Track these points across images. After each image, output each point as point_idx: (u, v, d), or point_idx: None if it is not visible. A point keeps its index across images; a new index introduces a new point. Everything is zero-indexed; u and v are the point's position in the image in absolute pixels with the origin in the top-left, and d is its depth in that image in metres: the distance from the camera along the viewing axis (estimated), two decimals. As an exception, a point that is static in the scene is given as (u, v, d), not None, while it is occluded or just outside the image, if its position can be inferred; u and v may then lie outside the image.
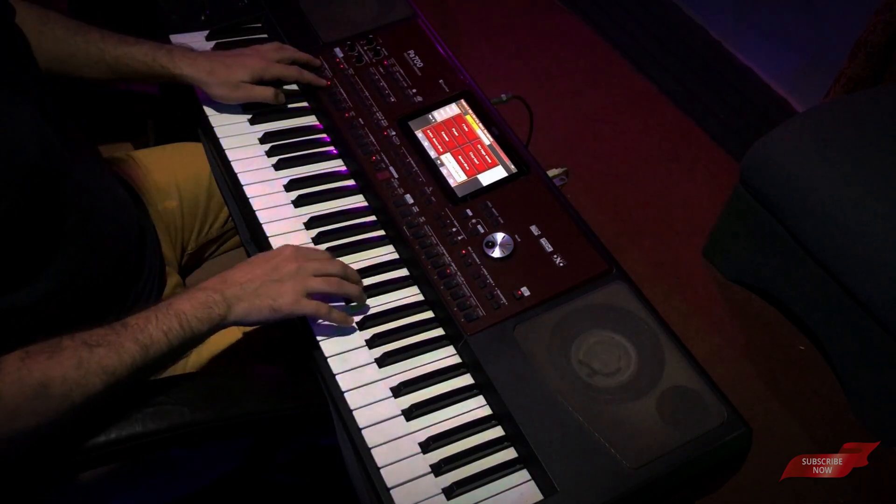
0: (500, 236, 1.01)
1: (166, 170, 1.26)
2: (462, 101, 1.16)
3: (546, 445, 0.85)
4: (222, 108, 1.18)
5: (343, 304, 0.98)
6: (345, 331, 0.96)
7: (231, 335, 1.08)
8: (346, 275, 0.96)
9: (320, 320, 0.94)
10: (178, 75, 1.10)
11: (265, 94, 1.15)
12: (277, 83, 1.18)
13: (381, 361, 0.94)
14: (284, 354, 1.11)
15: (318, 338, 0.95)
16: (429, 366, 0.95)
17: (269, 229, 1.05)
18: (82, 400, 0.77)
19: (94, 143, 1.05)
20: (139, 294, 1.02)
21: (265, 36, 1.29)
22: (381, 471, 0.85)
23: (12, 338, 0.77)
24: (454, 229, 1.03)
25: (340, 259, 0.99)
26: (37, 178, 0.80)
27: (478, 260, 0.99)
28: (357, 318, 0.97)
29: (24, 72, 0.89)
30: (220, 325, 0.88)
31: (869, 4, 1.87)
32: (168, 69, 1.09)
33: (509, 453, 0.89)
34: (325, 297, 0.94)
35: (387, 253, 1.05)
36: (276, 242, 1.03)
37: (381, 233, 1.07)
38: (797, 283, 1.71)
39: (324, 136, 1.17)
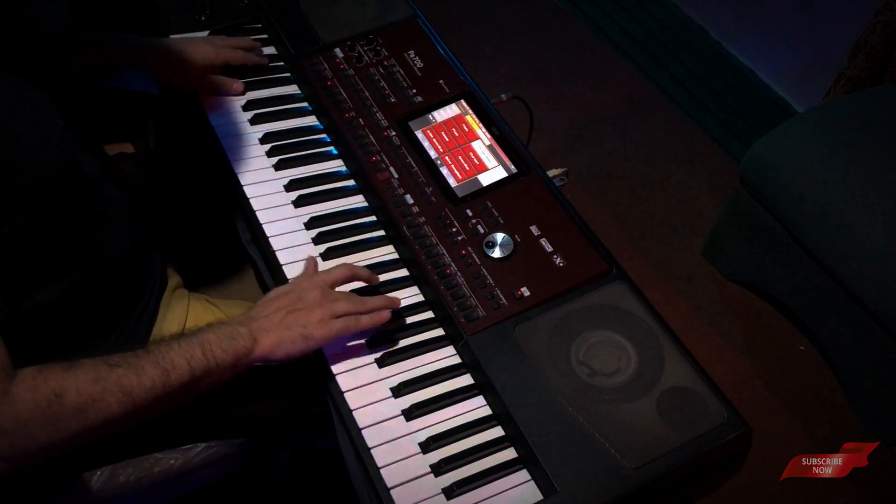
0: (500, 236, 1.01)
1: (167, 170, 1.26)
2: (462, 101, 1.16)
3: (546, 445, 0.85)
4: (222, 108, 1.18)
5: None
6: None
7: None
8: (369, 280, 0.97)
9: (355, 332, 0.92)
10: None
11: (218, 84, 1.18)
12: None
13: (381, 361, 0.94)
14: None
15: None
16: (429, 366, 0.95)
17: (269, 230, 1.05)
18: (97, 418, 0.75)
19: (101, 145, 1.05)
20: (141, 295, 1.02)
21: (265, 37, 1.29)
22: (381, 471, 0.85)
23: (27, 338, 0.77)
24: (454, 229, 1.03)
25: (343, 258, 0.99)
26: (59, 188, 0.81)
27: (478, 260, 0.99)
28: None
29: (46, 73, 0.89)
30: (246, 358, 0.85)
31: (869, 4, 1.87)
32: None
33: (509, 453, 0.89)
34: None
35: (387, 253, 1.05)
36: (276, 243, 1.03)
37: (382, 233, 1.07)
38: (797, 283, 1.71)
39: (324, 136, 1.17)
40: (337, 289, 0.94)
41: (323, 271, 0.95)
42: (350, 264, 0.97)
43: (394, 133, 1.13)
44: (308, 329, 0.87)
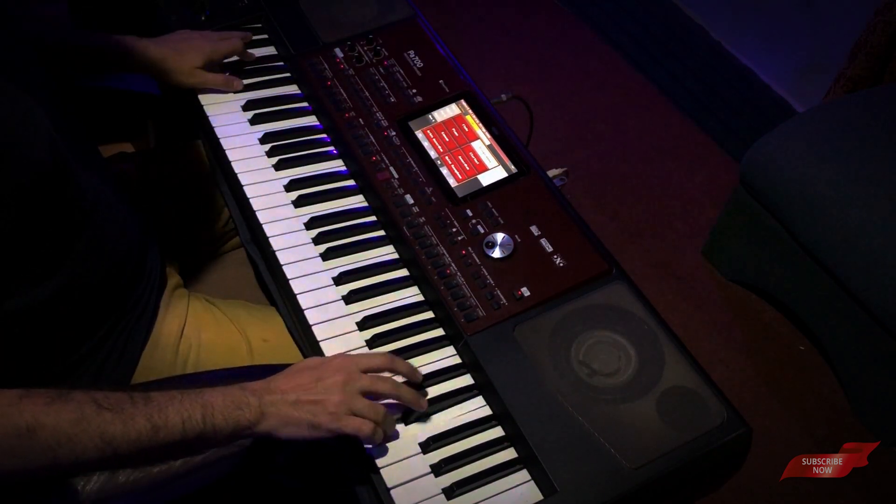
0: (500, 236, 1.01)
1: (167, 170, 1.26)
2: (462, 101, 1.16)
3: (546, 445, 0.85)
4: (222, 108, 1.18)
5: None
6: (346, 329, 0.96)
7: (231, 337, 1.08)
8: (399, 394, 0.88)
9: (363, 440, 0.86)
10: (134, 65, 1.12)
11: (217, 80, 1.18)
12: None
13: (381, 362, 0.94)
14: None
15: (320, 339, 0.95)
16: (429, 366, 0.94)
17: (269, 230, 1.05)
18: (68, 459, 0.71)
19: (95, 144, 1.05)
20: (140, 295, 1.02)
21: (265, 37, 1.29)
22: (382, 471, 0.85)
23: (14, 340, 0.76)
24: (454, 229, 1.03)
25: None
26: (45, 181, 0.80)
27: (478, 260, 0.99)
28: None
29: (34, 72, 0.89)
30: (248, 431, 0.81)
31: (869, 4, 1.87)
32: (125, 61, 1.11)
33: (509, 453, 0.89)
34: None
35: (387, 253, 1.05)
36: (276, 243, 1.03)
37: (381, 233, 1.07)
38: (797, 283, 1.71)
39: (324, 136, 1.17)
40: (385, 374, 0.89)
41: (360, 354, 0.91)
42: (391, 355, 0.90)
43: (394, 133, 1.13)
44: (317, 418, 0.82)
